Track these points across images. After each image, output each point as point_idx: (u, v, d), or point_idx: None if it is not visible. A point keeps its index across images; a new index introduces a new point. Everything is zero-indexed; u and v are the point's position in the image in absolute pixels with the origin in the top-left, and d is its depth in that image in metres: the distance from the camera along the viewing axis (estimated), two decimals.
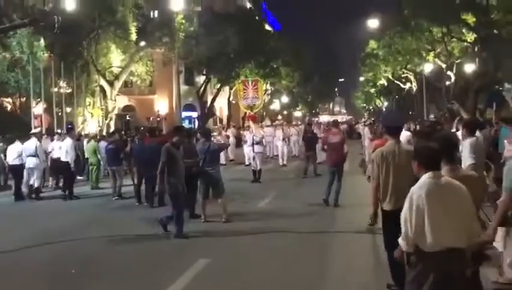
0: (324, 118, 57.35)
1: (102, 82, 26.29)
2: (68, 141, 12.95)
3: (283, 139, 19.78)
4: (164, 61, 29.90)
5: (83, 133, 21.05)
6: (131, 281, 6.04)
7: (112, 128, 25.94)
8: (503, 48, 21.68)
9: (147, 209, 10.75)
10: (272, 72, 37.60)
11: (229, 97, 39.89)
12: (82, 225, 9.44)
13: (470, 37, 24.03)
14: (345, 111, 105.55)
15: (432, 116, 36.77)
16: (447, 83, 28.63)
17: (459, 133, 7.55)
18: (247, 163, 18.55)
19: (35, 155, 12.60)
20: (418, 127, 18.99)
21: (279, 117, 44.34)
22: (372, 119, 28.17)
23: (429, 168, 3.47)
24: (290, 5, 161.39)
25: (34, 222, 10.09)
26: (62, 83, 22.92)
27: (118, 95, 27.88)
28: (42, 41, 21.35)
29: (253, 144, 14.98)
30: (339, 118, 60.01)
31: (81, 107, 24.67)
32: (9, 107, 23.68)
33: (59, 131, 17.55)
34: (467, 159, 6.34)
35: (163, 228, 8.07)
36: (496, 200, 4.79)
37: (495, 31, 22.09)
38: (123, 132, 21.41)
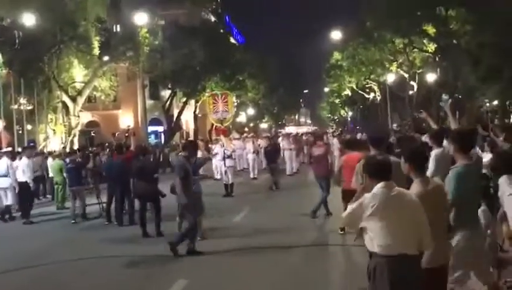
0: (291, 129, 57.61)
1: (65, 98, 25.53)
2: (24, 161, 12.29)
3: (253, 152, 19.67)
4: (129, 76, 29.39)
5: (45, 151, 20.32)
6: None
7: (76, 145, 25.23)
8: (462, 57, 22.44)
9: (117, 228, 10.38)
10: (238, 84, 37.56)
11: (195, 111, 39.58)
12: (52, 248, 9.02)
13: (431, 47, 24.77)
14: (310, 121, 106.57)
15: (395, 125, 37.55)
16: (410, 92, 29.35)
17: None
18: (217, 177, 18.33)
19: (7, 175, 11.94)
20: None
21: (246, 129, 44.31)
22: (340, 129, 28.43)
23: (381, 179, 3.53)
24: (253, 18, 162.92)
25: (3, 244, 9.58)
26: (22, 100, 22.12)
27: (81, 111, 27.14)
28: (0, 57, 20.59)
29: (224, 158, 14.78)
30: (305, 129, 60.83)
31: (43, 124, 23.85)
32: None
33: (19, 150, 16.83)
34: (429, 170, 6.38)
35: (174, 251, 7.52)
36: None
37: (454, 41, 22.84)
38: (90, 148, 20.80)
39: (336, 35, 32.66)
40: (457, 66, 23.28)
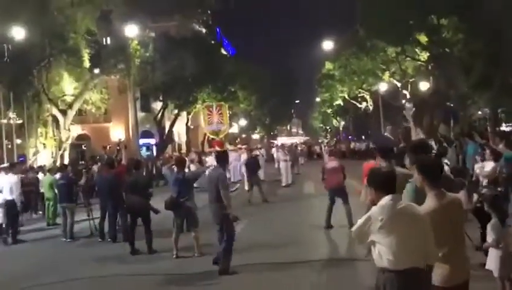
0: (283, 140, 57.50)
1: (55, 111, 25.14)
2: (11, 178, 11.50)
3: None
4: (120, 88, 29.08)
5: (35, 166, 19.93)
6: None
7: (66, 159, 24.84)
8: (454, 65, 22.49)
9: (110, 245, 10.06)
10: (230, 96, 37.44)
11: (187, 122, 39.32)
12: (41, 268, 8.66)
13: (423, 56, 24.80)
14: (302, 132, 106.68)
15: (386, 134, 37.57)
16: (403, 101, 29.34)
17: None
18: None
19: (1, 191, 11.47)
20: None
21: (238, 140, 44.14)
22: (335, 139, 28.35)
23: (387, 192, 3.42)
24: (244, 29, 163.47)
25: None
26: (12, 114, 21.74)
27: (71, 124, 26.75)
28: None
29: None
30: (297, 139, 60.79)
31: (33, 138, 23.45)
32: None
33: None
34: None
35: (226, 272, 7.16)
36: None
37: (447, 50, 22.89)
38: (81, 163, 20.44)
39: (328, 45, 32.72)
40: (450, 74, 23.33)
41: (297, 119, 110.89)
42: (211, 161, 17.29)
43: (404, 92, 28.63)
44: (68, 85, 25.53)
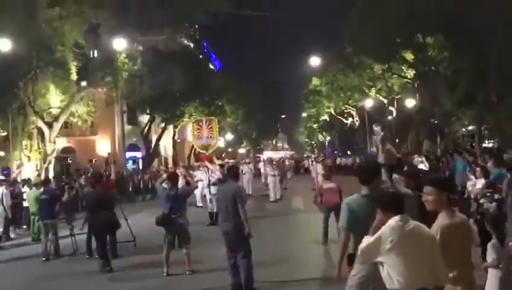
0: (269, 154, 57.46)
1: (41, 124, 24.80)
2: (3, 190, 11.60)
3: None
4: (107, 101, 28.88)
5: (19, 179, 19.56)
6: None
7: (51, 172, 24.46)
8: (439, 83, 22.87)
9: (98, 262, 9.86)
10: (217, 110, 37.47)
11: (174, 136, 39.16)
12: (32, 287, 8.42)
13: (410, 73, 25.20)
14: (287, 146, 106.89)
15: (373, 149, 37.84)
16: (389, 117, 29.70)
17: None
18: (199, 204, 17.96)
19: None
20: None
21: (224, 154, 43.97)
22: (322, 154, 28.45)
23: (396, 212, 3.44)
24: (231, 44, 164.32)
25: None
26: None
27: (57, 136, 26.40)
28: None
29: (209, 185, 14.43)
30: (282, 154, 60.80)
31: (17, 150, 23.06)
32: None
33: None
34: None
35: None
36: None
37: (432, 67, 23.30)
38: (64, 178, 20.09)
39: (315, 61, 32.97)
40: (435, 91, 23.71)
41: (283, 134, 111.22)
42: (199, 175, 17.20)
43: (391, 108, 28.99)
44: (54, 97, 25.24)
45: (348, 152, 50.74)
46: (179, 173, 11.02)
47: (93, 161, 27.53)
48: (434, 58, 22.79)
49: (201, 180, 16.25)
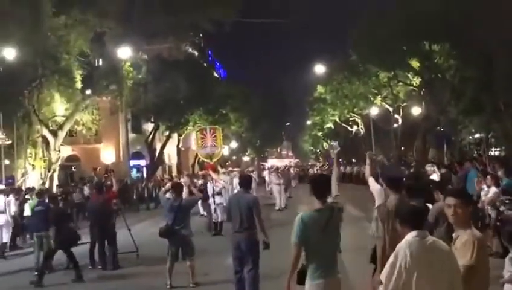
0: (273, 162, 57.28)
1: (45, 132, 24.79)
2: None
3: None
4: (111, 109, 28.89)
5: (23, 188, 19.48)
6: None
7: (56, 181, 24.42)
8: (445, 91, 22.71)
9: (101, 273, 9.73)
10: (221, 118, 37.43)
11: (178, 144, 39.10)
12: None
13: (416, 81, 25.04)
14: (292, 154, 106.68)
15: (379, 158, 37.57)
16: (395, 125, 29.51)
17: None
18: (202, 213, 17.77)
19: (3, 211, 11.42)
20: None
21: (228, 163, 43.83)
22: (327, 163, 28.27)
23: (414, 227, 3.34)
24: (235, 52, 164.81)
25: None
26: (1, 134, 21.35)
27: (61, 144, 26.39)
28: None
29: (213, 195, 14.28)
30: (287, 162, 60.57)
31: (22, 159, 23.02)
32: None
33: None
34: None
35: None
36: None
37: (439, 75, 23.14)
38: (73, 184, 19.93)
39: (320, 69, 32.97)
40: (441, 99, 23.55)
41: (287, 142, 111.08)
42: (208, 186, 16.98)
43: (396, 116, 28.81)
44: (59, 106, 25.26)
45: (353, 160, 50.45)
46: (183, 183, 10.84)
47: (98, 170, 27.54)
48: (440, 66, 22.65)
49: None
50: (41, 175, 24.21)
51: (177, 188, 8.52)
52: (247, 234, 6.72)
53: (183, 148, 39.81)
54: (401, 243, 3.31)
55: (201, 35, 42.48)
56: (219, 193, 14.32)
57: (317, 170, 22.81)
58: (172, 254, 8.13)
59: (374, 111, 32.23)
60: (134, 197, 25.42)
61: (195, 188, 11.07)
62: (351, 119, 40.15)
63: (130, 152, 31.96)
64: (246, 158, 64.99)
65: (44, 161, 24.61)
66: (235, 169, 24.96)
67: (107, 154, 34.10)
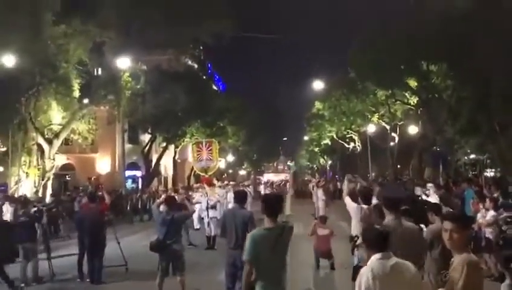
0: (270, 176, 57.28)
1: (41, 140, 24.66)
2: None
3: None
4: (108, 119, 28.82)
5: (16, 196, 19.32)
6: None
7: (49, 189, 24.23)
8: (442, 110, 22.77)
9: (89, 286, 9.56)
10: (219, 131, 37.39)
11: (175, 156, 38.97)
12: None
13: (413, 100, 25.12)
14: (288, 169, 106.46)
15: (373, 174, 37.59)
16: (391, 143, 29.53)
17: None
18: (196, 227, 17.63)
19: None
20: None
21: (224, 176, 43.67)
22: (324, 179, 28.18)
23: (379, 250, 3.34)
24: (234, 65, 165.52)
25: None
26: None
27: (56, 153, 26.23)
28: None
29: (207, 208, 14.17)
30: (283, 176, 60.42)
31: (16, 166, 22.86)
32: None
33: None
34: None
35: None
36: None
37: (436, 95, 23.22)
38: (68, 193, 19.77)
39: (318, 85, 33.04)
40: (438, 119, 23.61)
41: (284, 157, 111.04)
42: (197, 198, 16.90)
43: (393, 134, 28.85)
44: (56, 114, 25.17)
45: None
46: (177, 198, 10.70)
47: (92, 179, 27.37)
48: (437, 86, 22.75)
49: (200, 203, 15.95)
50: (34, 183, 24.02)
51: (170, 201, 8.42)
52: (242, 251, 6.62)
53: (179, 160, 39.68)
54: (364, 268, 3.35)
55: (201, 47, 42.66)
56: (213, 207, 14.20)
57: (313, 186, 22.61)
58: (162, 269, 7.99)
59: (371, 128, 32.28)
60: (128, 208, 25.20)
61: (189, 202, 10.96)
62: (348, 136, 40.20)
63: (126, 162, 31.83)
64: (242, 172, 64.84)
65: (39, 169, 24.43)
66: (230, 183, 24.84)
67: (103, 164, 33.95)
